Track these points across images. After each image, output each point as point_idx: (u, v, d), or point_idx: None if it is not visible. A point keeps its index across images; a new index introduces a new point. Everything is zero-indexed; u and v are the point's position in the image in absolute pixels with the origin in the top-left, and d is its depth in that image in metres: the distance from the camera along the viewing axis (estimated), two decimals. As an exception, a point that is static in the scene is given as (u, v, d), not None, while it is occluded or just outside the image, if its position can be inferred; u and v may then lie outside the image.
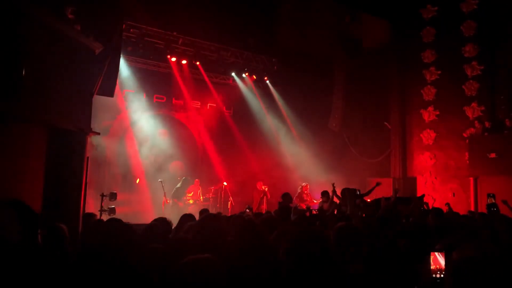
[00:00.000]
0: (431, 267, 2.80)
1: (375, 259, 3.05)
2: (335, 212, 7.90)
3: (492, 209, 6.88)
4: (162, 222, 4.00)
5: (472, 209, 11.80)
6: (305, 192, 12.74)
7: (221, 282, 2.00)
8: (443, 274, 2.77)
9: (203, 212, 6.21)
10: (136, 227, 4.16)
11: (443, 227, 4.30)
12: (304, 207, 10.90)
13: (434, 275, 2.79)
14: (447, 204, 8.23)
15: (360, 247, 2.82)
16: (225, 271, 2.05)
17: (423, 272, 2.87)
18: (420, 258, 3.02)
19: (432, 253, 2.83)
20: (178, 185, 12.33)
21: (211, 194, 13.83)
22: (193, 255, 2.09)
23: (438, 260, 2.81)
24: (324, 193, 9.95)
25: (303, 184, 12.86)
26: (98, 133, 7.82)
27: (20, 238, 2.50)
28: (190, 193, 12.78)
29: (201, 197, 13.25)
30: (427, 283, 2.82)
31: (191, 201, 12.56)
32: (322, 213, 7.17)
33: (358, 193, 6.72)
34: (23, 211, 2.61)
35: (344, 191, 9.15)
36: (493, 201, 7.08)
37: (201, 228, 3.07)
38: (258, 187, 13.37)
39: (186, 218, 4.79)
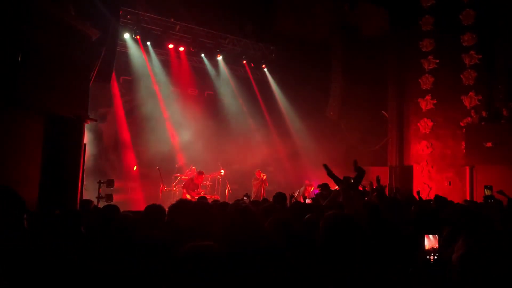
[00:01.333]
0: (426, 248, 2.84)
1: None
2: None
3: (489, 200, 7.00)
4: (156, 209, 4.00)
5: (468, 198, 11.88)
6: (308, 190, 12.73)
7: (223, 268, 2.01)
8: (437, 255, 2.83)
9: (200, 199, 6.24)
10: (132, 214, 4.21)
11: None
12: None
13: (428, 257, 2.84)
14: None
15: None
16: (226, 257, 2.06)
17: (418, 254, 2.91)
18: (414, 240, 3.06)
19: (426, 235, 2.87)
20: (193, 177, 12.22)
21: (208, 181, 13.86)
22: (193, 242, 2.08)
23: (432, 241, 2.85)
24: (325, 186, 9.59)
25: (307, 184, 12.86)
26: (96, 120, 7.83)
27: (4, 222, 2.50)
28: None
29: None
30: (422, 264, 2.86)
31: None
32: (316, 203, 7.17)
33: (351, 181, 6.65)
34: (8, 196, 2.61)
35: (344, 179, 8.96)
36: (490, 193, 7.19)
37: (193, 215, 3.10)
38: (256, 175, 13.41)
39: (183, 203, 4.80)
